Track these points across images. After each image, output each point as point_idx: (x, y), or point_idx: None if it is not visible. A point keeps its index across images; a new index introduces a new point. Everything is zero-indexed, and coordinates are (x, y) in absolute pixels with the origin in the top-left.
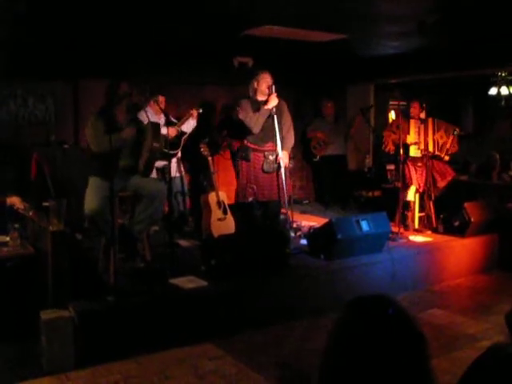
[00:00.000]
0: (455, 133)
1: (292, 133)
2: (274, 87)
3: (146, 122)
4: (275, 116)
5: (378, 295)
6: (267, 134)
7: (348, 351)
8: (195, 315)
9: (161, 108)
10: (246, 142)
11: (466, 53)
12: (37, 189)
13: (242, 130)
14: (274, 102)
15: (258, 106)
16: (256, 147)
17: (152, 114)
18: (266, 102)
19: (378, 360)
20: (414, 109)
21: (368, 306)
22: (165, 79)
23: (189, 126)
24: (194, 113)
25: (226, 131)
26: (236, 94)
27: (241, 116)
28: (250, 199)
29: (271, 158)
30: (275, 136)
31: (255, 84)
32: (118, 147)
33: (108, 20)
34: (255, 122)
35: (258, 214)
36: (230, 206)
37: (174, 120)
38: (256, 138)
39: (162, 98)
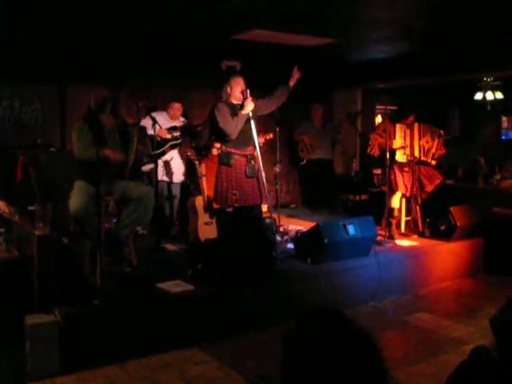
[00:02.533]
0: (439, 136)
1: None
2: (248, 91)
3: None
4: (252, 121)
5: (326, 306)
6: (247, 137)
7: (301, 364)
8: (181, 319)
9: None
10: (224, 147)
11: (452, 58)
12: (22, 192)
13: (222, 134)
14: (250, 106)
15: (234, 109)
16: (238, 152)
17: (163, 119)
18: (241, 107)
19: (330, 374)
20: (410, 120)
21: (320, 317)
22: (152, 82)
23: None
24: None
25: (215, 135)
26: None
27: (221, 124)
28: (230, 209)
29: (253, 162)
30: (253, 140)
31: (228, 89)
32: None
33: (96, 24)
34: (234, 128)
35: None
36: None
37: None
38: (237, 143)
39: (177, 105)
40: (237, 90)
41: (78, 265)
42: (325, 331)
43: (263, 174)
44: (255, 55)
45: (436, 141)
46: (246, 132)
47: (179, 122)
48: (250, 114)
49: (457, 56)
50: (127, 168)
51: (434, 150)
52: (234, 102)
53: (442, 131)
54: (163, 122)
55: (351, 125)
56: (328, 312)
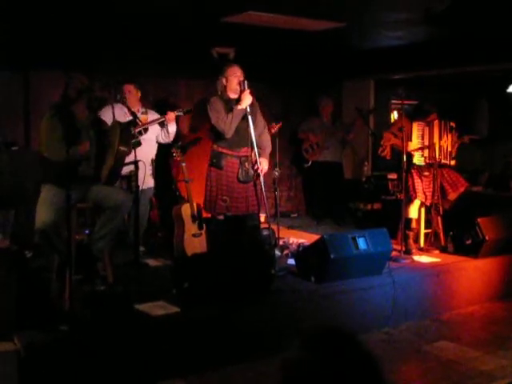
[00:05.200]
0: (451, 129)
1: (268, 137)
2: (246, 83)
3: (110, 121)
4: (250, 117)
5: (335, 329)
6: (243, 136)
7: None
8: (165, 347)
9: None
10: (216, 146)
11: (481, 45)
12: None
13: (217, 132)
14: (247, 100)
15: (231, 105)
16: (230, 152)
17: (120, 111)
18: (238, 101)
19: None
20: (431, 118)
21: (325, 342)
22: (132, 72)
23: (156, 130)
24: (171, 116)
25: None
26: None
27: (213, 120)
28: (221, 217)
29: (247, 165)
30: (251, 140)
31: (223, 81)
32: (74, 158)
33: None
34: (229, 126)
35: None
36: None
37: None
38: (230, 142)
39: (129, 87)
40: (233, 81)
41: (43, 283)
42: (334, 361)
43: (262, 178)
44: (251, 41)
45: (449, 136)
46: (241, 130)
47: (139, 111)
48: (248, 110)
49: (485, 42)
50: (104, 171)
51: (450, 148)
52: (231, 95)
53: (452, 123)
54: (118, 117)
55: (362, 122)
56: (338, 337)
